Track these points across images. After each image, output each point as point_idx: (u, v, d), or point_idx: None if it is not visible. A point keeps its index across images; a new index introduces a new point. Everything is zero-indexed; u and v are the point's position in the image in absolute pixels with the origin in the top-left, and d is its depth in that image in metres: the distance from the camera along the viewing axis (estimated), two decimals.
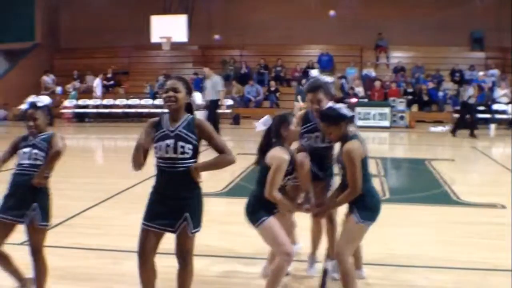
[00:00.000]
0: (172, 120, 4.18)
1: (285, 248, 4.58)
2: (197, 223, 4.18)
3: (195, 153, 4.16)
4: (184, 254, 4.21)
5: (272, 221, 4.62)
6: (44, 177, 4.54)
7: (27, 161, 4.55)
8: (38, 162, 4.55)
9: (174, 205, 4.10)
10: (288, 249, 4.59)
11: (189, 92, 4.24)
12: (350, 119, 4.61)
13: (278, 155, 4.58)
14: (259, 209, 4.63)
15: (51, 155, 4.54)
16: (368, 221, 4.55)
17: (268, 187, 4.55)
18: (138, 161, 4.14)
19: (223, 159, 4.18)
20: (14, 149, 4.70)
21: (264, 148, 4.72)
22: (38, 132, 4.64)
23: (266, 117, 4.86)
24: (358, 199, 4.54)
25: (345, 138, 4.56)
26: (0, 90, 26.83)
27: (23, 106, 4.79)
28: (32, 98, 4.74)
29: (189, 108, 4.27)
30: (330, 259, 5.42)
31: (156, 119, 4.25)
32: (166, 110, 4.21)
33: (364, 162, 4.54)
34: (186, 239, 4.16)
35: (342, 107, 4.61)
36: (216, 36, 30.15)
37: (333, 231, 5.31)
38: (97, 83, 26.08)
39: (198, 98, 4.36)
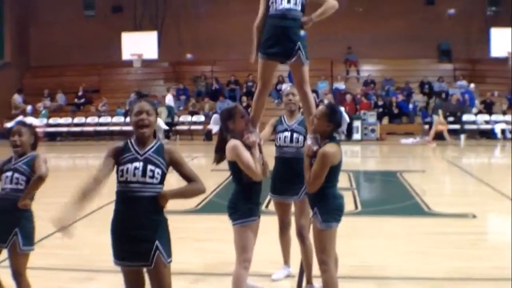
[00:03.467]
0: (140, 145, 3.95)
1: (248, 256, 4.71)
2: (169, 252, 3.94)
3: (163, 179, 3.92)
4: None
5: (251, 228, 4.74)
6: (28, 199, 4.60)
7: (9, 186, 4.61)
8: (20, 187, 4.60)
9: (142, 235, 3.81)
10: (250, 257, 4.72)
11: (157, 115, 4.08)
12: (343, 134, 4.90)
13: (229, 146, 4.71)
14: (243, 210, 4.72)
15: (34, 180, 4.58)
16: (330, 223, 4.59)
17: (248, 172, 4.64)
18: (91, 194, 3.85)
19: (193, 188, 3.99)
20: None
21: (220, 147, 4.85)
22: (22, 149, 4.70)
23: (215, 116, 4.99)
24: (321, 202, 4.63)
25: (325, 136, 4.69)
26: None
27: (10, 124, 4.89)
28: (20, 118, 4.84)
29: (154, 132, 4.07)
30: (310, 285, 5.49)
31: (120, 144, 3.97)
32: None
33: (336, 168, 4.65)
34: (163, 271, 3.91)
35: (346, 118, 4.78)
36: (189, 55, 30.18)
37: (307, 255, 5.41)
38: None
39: (161, 122, 4.21)
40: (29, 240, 4.62)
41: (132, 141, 3.97)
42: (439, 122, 21.88)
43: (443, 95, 24.99)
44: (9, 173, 4.64)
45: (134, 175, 3.84)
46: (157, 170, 3.87)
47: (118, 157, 3.89)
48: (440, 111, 22.09)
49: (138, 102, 3.99)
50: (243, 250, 4.71)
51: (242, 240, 4.72)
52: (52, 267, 6.25)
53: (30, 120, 5.39)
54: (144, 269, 3.96)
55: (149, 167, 3.85)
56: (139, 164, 3.85)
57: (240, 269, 4.70)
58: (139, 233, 3.82)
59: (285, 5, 4.96)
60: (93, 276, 6.03)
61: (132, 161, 3.87)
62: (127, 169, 3.85)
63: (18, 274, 4.58)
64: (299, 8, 4.98)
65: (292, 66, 5.04)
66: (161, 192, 3.87)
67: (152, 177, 3.85)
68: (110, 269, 5.28)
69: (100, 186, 3.87)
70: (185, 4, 28.83)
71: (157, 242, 3.84)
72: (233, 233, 4.76)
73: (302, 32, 5.02)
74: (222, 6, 28.25)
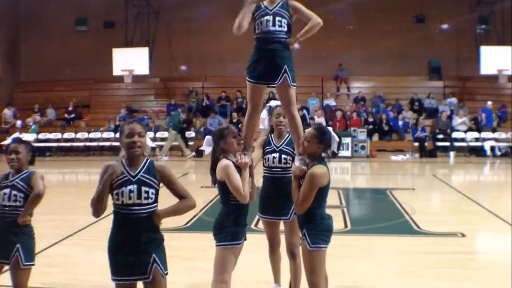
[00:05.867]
0: (131, 165, 4.05)
1: (226, 277, 4.69)
2: (165, 265, 4.08)
3: (157, 197, 4.06)
4: None
5: (235, 251, 4.73)
6: (27, 215, 4.70)
7: (7, 203, 4.69)
8: (18, 204, 4.70)
9: (140, 251, 3.95)
10: (227, 278, 4.71)
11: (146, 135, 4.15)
12: (332, 152, 4.78)
13: (220, 165, 4.69)
14: (228, 232, 4.70)
15: (32, 198, 4.68)
16: (319, 245, 4.58)
17: (235, 194, 4.63)
18: (101, 209, 3.96)
19: (185, 205, 4.14)
20: None
21: (214, 168, 4.81)
22: (18, 166, 4.77)
23: (207, 137, 4.97)
24: (309, 223, 4.63)
25: (314, 157, 4.68)
26: None
27: (7, 141, 4.94)
28: (17, 135, 4.91)
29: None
30: None
31: (113, 163, 4.07)
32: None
33: (325, 189, 4.64)
34: (160, 283, 4.05)
35: (336, 137, 4.74)
36: (183, 67, 30.25)
37: (297, 273, 5.40)
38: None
39: (149, 140, 4.22)
40: (30, 255, 4.74)
41: (123, 161, 4.07)
42: None
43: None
44: (7, 190, 4.73)
45: (130, 198, 3.95)
46: (151, 190, 4.00)
47: (112, 178, 3.97)
48: None
49: (129, 124, 4.07)
50: (222, 271, 4.69)
51: (223, 262, 4.69)
52: (40, 286, 6.19)
53: (26, 136, 5.46)
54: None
55: (143, 188, 3.98)
56: (133, 187, 3.96)
57: None
58: (137, 247, 3.95)
59: (270, 27, 4.99)
60: None
61: (126, 183, 3.97)
62: (122, 192, 3.95)
63: None
64: (285, 29, 5.01)
65: (279, 89, 5.07)
66: (155, 211, 4.00)
67: (147, 197, 3.99)
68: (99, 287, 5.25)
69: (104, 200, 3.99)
70: (176, 20, 28.89)
71: (154, 255, 3.99)
72: (215, 252, 4.75)
73: (288, 54, 5.05)
74: (214, 23, 28.31)
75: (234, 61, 26.39)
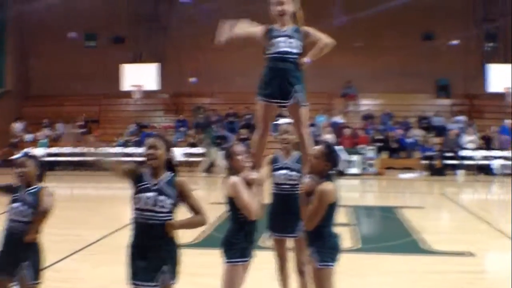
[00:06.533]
0: (153, 175, 4.35)
1: None
2: (174, 274, 4.31)
3: (173, 208, 4.31)
4: None
5: (239, 270, 4.77)
6: (35, 232, 4.70)
7: (15, 217, 4.68)
8: (26, 219, 4.68)
9: (152, 258, 4.20)
10: None
11: (168, 149, 4.38)
12: (337, 171, 4.84)
13: (228, 183, 4.77)
14: (237, 249, 4.76)
15: (39, 214, 4.69)
16: (328, 263, 4.60)
17: (244, 211, 4.69)
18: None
19: (197, 220, 4.42)
20: (2, 190, 4.87)
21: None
22: (26, 180, 4.79)
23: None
24: (317, 241, 4.65)
25: (321, 175, 4.70)
26: None
27: (17, 155, 4.96)
28: (27, 150, 4.96)
29: (170, 164, 4.43)
30: None
31: (141, 170, 4.39)
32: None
33: (333, 206, 4.67)
34: None
35: (342, 157, 4.79)
36: (192, 79, 30.27)
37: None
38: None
39: (178, 153, 4.35)
40: (36, 273, 4.71)
41: (148, 171, 4.37)
42: None
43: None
44: (16, 204, 4.73)
45: (146, 204, 4.26)
46: (168, 201, 4.29)
47: (136, 182, 4.33)
48: None
49: (148, 138, 4.43)
50: None
51: (232, 278, 4.74)
52: None
53: (35, 151, 5.39)
54: None
55: (160, 197, 4.26)
56: (150, 195, 4.25)
57: None
58: (149, 255, 4.23)
59: (284, 48, 5.09)
60: None
61: (145, 190, 4.30)
62: (140, 198, 4.29)
63: None
64: (297, 51, 5.11)
65: (290, 108, 5.13)
66: (169, 221, 4.26)
67: (162, 207, 4.25)
68: None
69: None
70: (185, 36, 28.99)
71: (164, 267, 4.25)
72: (224, 270, 4.78)
73: (300, 74, 5.12)
74: None
75: (242, 76, 26.49)
